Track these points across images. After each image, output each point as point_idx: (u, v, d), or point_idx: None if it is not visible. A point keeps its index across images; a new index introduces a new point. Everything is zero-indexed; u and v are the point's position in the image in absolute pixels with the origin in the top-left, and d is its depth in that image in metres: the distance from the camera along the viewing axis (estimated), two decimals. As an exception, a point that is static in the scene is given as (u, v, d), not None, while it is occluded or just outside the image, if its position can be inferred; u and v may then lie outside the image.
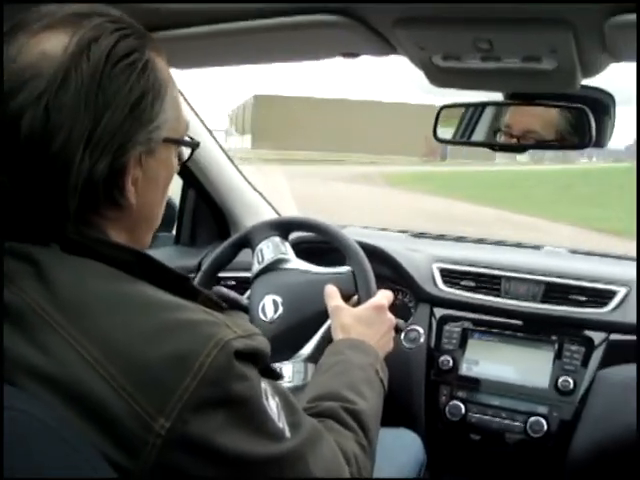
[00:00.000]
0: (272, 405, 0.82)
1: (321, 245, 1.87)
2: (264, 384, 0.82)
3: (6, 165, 0.79)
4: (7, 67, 0.79)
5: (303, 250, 2.05)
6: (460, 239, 2.60)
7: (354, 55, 1.44)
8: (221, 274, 1.96)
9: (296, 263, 1.76)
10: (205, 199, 2.46)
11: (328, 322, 1.64)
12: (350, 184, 20.43)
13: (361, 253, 1.66)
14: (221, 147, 2.43)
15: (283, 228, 1.80)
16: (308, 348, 1.64)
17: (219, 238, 2.46)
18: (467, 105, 1.68)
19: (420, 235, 2.59)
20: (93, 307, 0.75)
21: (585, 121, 1.52)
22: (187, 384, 0.71)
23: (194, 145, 0.99)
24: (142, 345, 0.72)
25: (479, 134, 1.74)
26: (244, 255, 1.99)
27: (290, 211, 2.90)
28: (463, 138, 1.75)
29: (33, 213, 0.80)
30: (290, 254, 1.77)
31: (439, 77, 1.42)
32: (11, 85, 0.78)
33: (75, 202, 0.79)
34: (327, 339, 1.66)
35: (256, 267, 1.79)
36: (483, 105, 1.66)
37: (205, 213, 2.52)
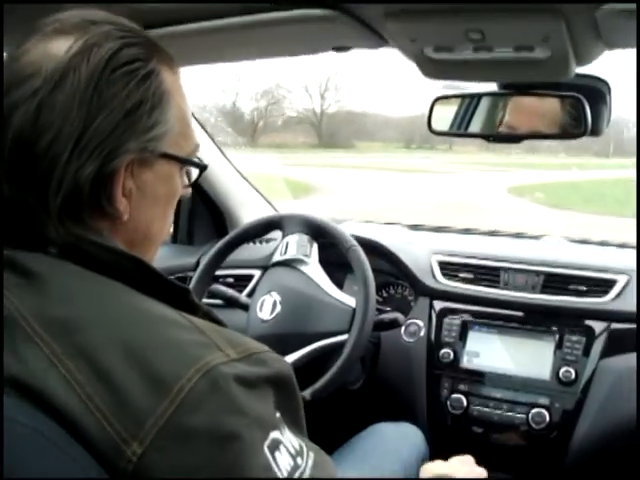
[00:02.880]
0: (281, 461, 0.72)
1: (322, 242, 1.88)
2: (276, 433, 0.73)
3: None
4: (10, 66, 0.80)
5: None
6: (457, 231, 2.60)
7: (346, 49, 1.43)
8: (219, 272, 1.97)
9: (313, 270, 1.80)
10: (202, 197, 2.45)
11: (319, 343, 1.67)
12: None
13: (371, 288, 1.70)
14: (216, 145, 2.42)
15: (315, 231, 1.83)
16: (290, 358, 1.64)
17: (217, 236, 2.46)
18: (462, 96, 1.67)
19: (416, 227, 2.59)
20: (78, 321, 0.72)
21: (580, 110, 1.51)
22: (163, 409, 0.66)
23: (201, 167, 0.95)
24: (123, 364, 0.68)
25: (475, 126, 1.73)
26: (241, 252, 2.00)
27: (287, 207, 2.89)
28: (460, 130, 1.74)
29: (20, 214, 0.79)
30: (312, 258, 1.81)
31: (432, 69, 1.41)
32: (9, 82, 0.79)
33: (56, 202, 0.77)
34: (312, 358, 1.68)
35: (277, 257, 1.82)
36: (478, 96, 1.65)
37: (202, 211, 2.51)
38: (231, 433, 0.68)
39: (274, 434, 0.72)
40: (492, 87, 1.61)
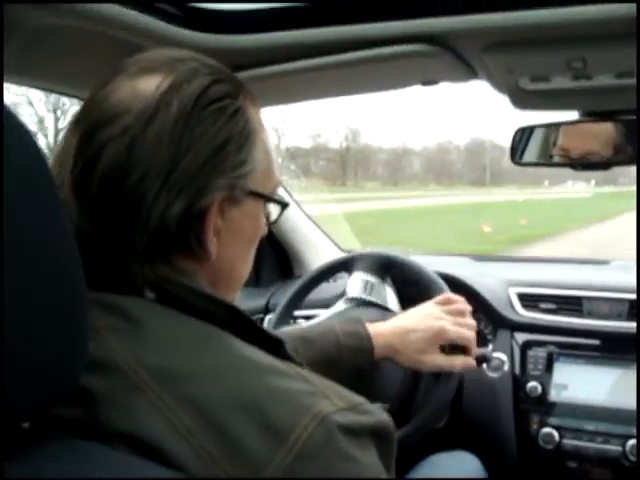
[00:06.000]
0: None
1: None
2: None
3: (85, 205, 0.78)
4: (99, 104, 0.80)
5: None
6: (524, 259, 2.57)
7: (434, 82, 1.42)
8: (297, 312, 1.94)
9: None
10: (267, 237, 2.43)
11: None
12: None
13: None
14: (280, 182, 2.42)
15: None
16: None
17: (282, 277, 2.44)
18: (544, 126, 1.64)
19: (483, 258, 2.56)
20: (187, 370, 0.70)
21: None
22: (281, 458, 0.65)
23: (284, 204, 0.94)
24: (237, 414, 0.67)
25: (530, 155, 1.71)
26: (319, 292, 1.97)
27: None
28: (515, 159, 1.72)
29: (105, 254, 0.78)
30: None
31: (524, 100, 1.40)
32: (99, 120, 0.78)
33: (142, 241, 0.76)
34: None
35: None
36: (560, 125, 1.62)
37: (267, 252, 2.49)
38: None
39: None
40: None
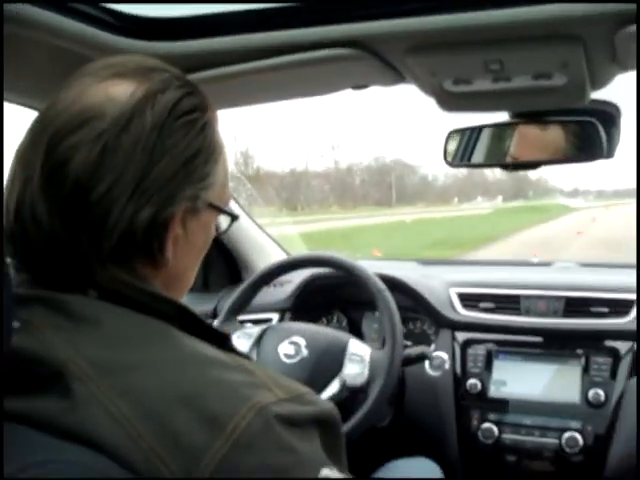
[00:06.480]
0: None
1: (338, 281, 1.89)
2: (326, 471, 0.73)
3: (56, 206, 0.78)
4: (68, 107, 0.80)
5: (318, 286, 2.07)
6: (469, 262, 2.62)
7: (364, 86, 1.46)
8: (242, 317, 1.97)
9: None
10: (215, 242, 2.45)
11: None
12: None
13: (399, 332, 1.69)
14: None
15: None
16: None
17: (231, 282, 2.46)
18: (476, 128, 1.69)
19: (429, 262, 2.61)
20: (129, 362, 0.72)
21: (596, 134, 1.53)
22: (218, 447, 0.66)
23: (234, 217, 0.97)
24: (175, 404, 0.68)
25: (479, 156, 1.75)
26: (263, 296, 2.00)
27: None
28: (463, 161, 1.76)
29: (68, 254, 0.78)
30: None
31: (450, 102, 1.44)
32: (70, 123, 0.78)
33: (110, 244, 0.77)
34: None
35: None
36: (492, 126, 1.67)
37: (215, 257, 2.51)
38: (283, 471, 0.69)
39: (325, 472, 0.73)
40: (504, 116, 1.64)
